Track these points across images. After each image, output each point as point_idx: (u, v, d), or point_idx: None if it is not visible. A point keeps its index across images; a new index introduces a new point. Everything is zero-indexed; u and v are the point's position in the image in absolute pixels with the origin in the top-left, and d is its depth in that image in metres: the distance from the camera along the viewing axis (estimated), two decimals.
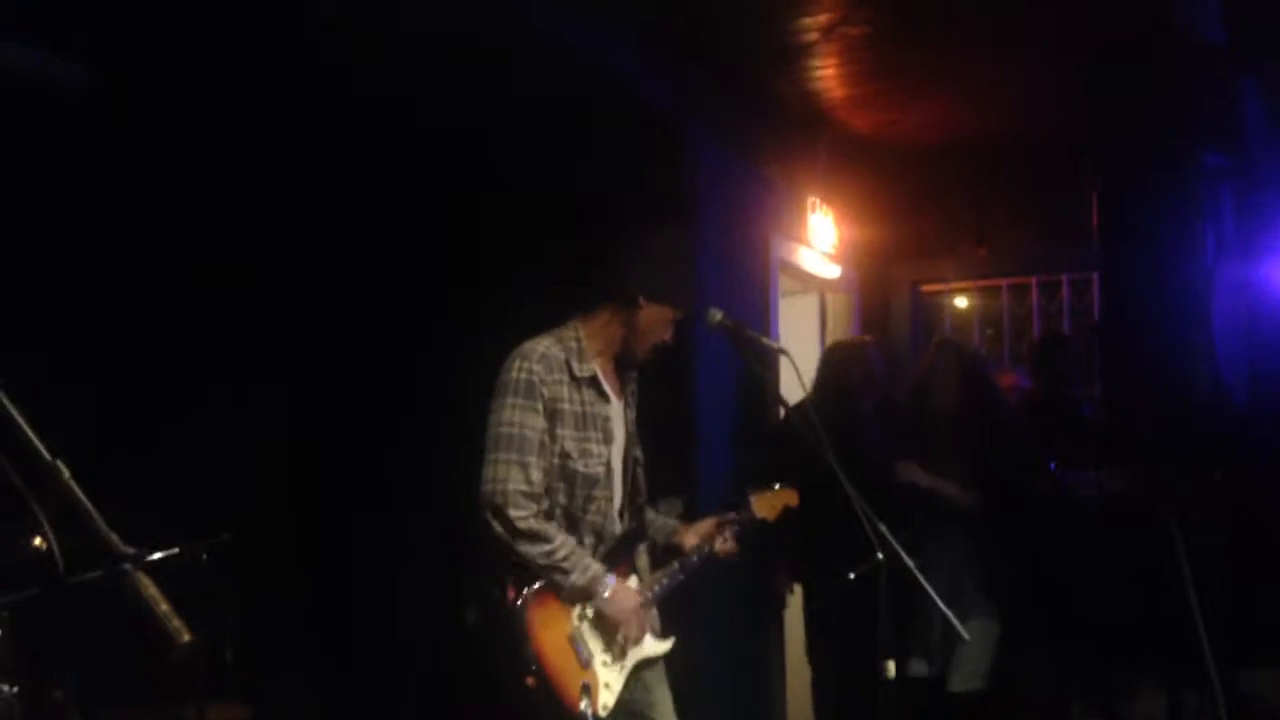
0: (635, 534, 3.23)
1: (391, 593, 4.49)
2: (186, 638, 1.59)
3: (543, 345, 3.07)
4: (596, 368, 3.11)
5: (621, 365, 3.21)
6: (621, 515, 3.19)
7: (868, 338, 5.71)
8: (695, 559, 3.26)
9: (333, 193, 4.38)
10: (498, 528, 2.91)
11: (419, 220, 4.48)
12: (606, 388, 3.13)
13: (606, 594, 2.99)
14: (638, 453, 3.26)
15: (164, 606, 1.60)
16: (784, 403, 3.62)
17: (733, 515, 3.36)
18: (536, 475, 2.95)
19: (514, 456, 2.93)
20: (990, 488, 4.60)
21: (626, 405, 3.23)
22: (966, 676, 4.51)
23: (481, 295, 4.39)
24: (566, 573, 2.93)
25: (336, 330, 4.49)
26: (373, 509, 4.53)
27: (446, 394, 4.32)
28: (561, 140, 4.38)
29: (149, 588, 1.61)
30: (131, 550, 1.66)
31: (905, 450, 4.72)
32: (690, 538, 3.30)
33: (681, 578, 3.23)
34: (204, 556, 3.40)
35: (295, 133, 4.20)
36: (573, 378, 3.05)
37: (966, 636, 3.22)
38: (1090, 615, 4.61)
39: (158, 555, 3.09)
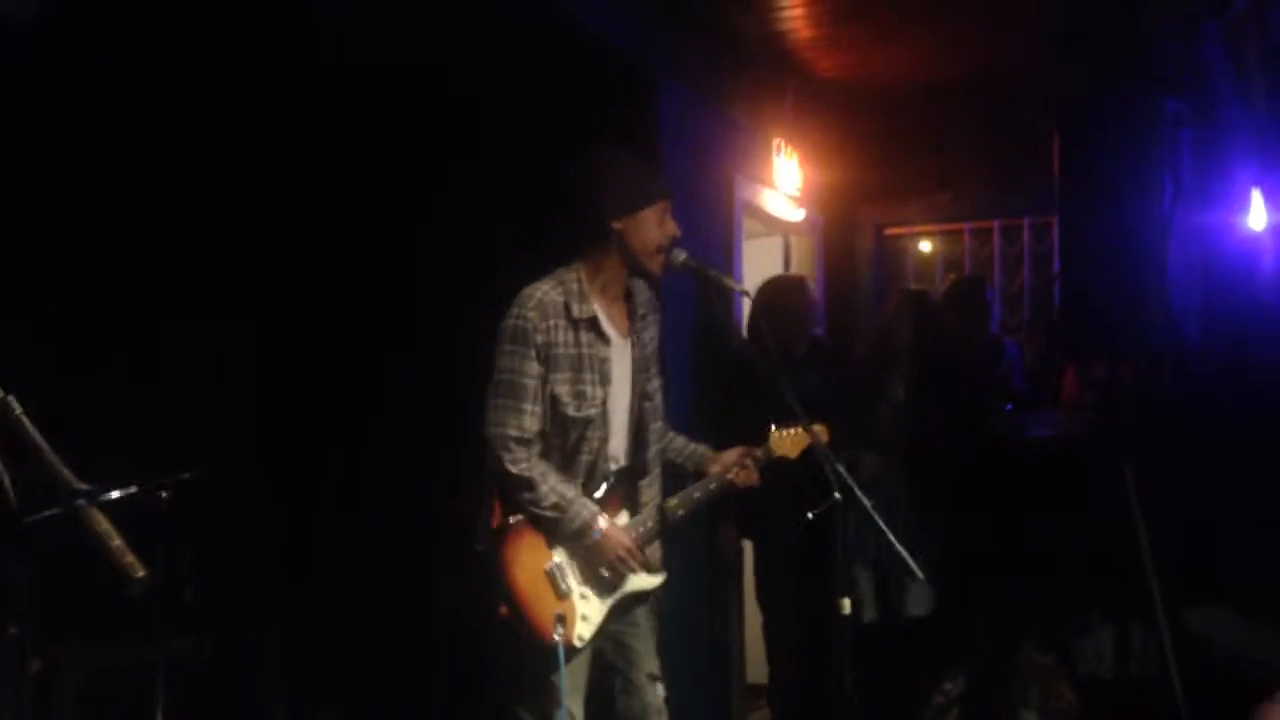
0: (635, 470, 3.23)
1: (358, 531, 4.50)
2: (140, 573, 1.60)
3: (541, 290, 3.09)
4: (598, 308, 3.12)
5: (639, 281, 3.22)
6: (628, 454, 3.20)
7: (803, 275, 5.70)
8: (697, 494, 3.27)
9: (297, 129, 4.32)
10: (495, 468, 3.03)
11: (378, 164, 4.43)
12: (606, 328, 3.13)
13: (594, 541, 3.05)
14: (648, 388, 3.25)
15: (117, 542, 1.60)
16: (744, 342, 3.64)
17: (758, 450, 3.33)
18: (529, 421, 3.03)
19: (510, 402, 3.02)
20: (949, 427, 4.67)
21: (634, 344, 3.21)
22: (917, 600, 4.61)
23: (454, 243, 4.35)
24: (555, 521, 3.02)
25: (308, 265, 4.45)
26: (343, 446, 4.52)
27: (418, 335, 4.31)
28: (522, 85, 4.33)
29: (101, 523, 1.61)
30: (85, 486, 1.66)
31: (868, 394, 4.77)
32: (715, 467, 3.31)
33: (681, 513, 3.24)
34: (163, 495, 3.41)
35: (261, 72, 4.13)
36: (570, 320, 3.07)
37: (920, 574, 3.26)
38: (1043, 554, 4.69)
39: (115, 493, 3.10)
